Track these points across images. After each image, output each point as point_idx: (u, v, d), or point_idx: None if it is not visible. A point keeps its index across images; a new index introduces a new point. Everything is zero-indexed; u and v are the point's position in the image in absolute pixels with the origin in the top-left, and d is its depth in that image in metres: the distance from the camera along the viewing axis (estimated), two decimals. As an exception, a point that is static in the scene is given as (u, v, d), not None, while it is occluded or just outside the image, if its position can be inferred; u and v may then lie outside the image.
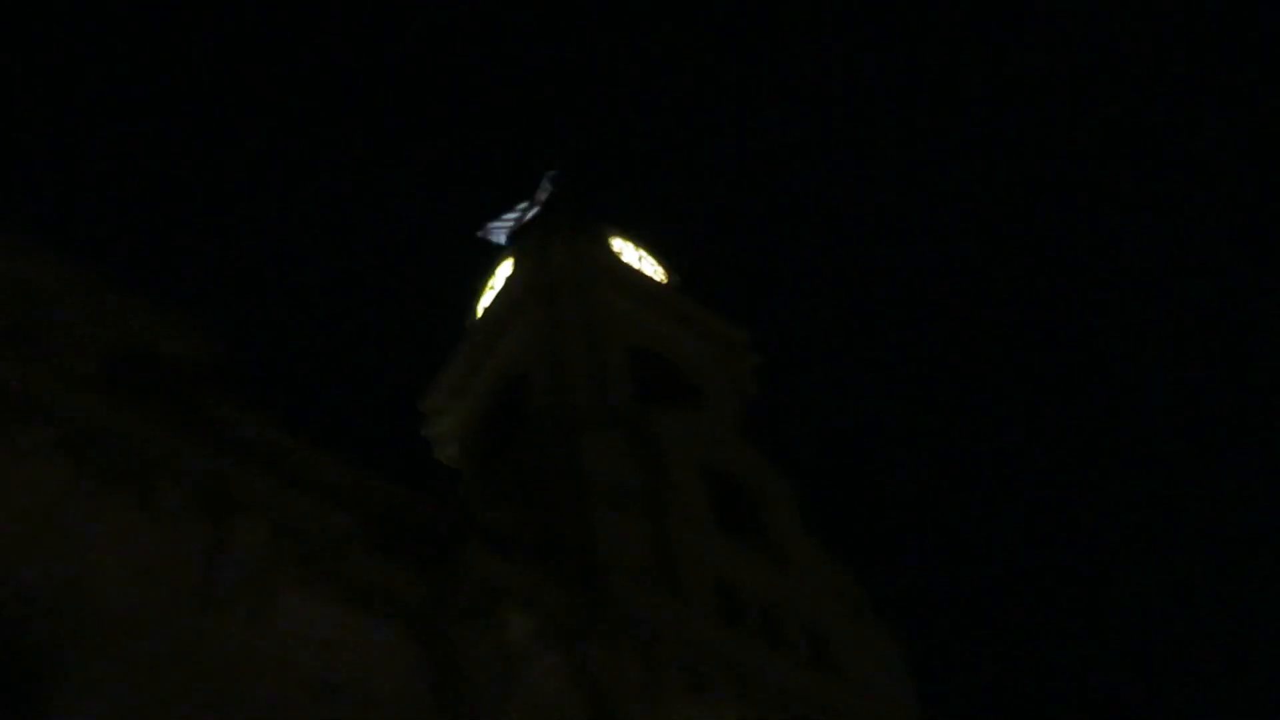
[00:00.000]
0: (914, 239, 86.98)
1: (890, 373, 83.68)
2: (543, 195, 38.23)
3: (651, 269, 38.50)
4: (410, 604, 20.40)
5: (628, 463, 27.18)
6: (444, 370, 36.13)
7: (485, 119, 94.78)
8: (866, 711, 23.69)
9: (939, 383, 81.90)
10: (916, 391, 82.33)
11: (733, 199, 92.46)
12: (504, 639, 20.65)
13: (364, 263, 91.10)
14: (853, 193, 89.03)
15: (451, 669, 19.81)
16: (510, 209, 38.47)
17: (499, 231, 37.96)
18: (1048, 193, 79.87)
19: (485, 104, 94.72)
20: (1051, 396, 78.29)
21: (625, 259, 37.44)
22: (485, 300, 37.95)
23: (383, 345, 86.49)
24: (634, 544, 24.65)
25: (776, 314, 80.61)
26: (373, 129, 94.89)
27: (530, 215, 37.71)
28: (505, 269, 38.03)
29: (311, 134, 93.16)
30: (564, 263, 34.61)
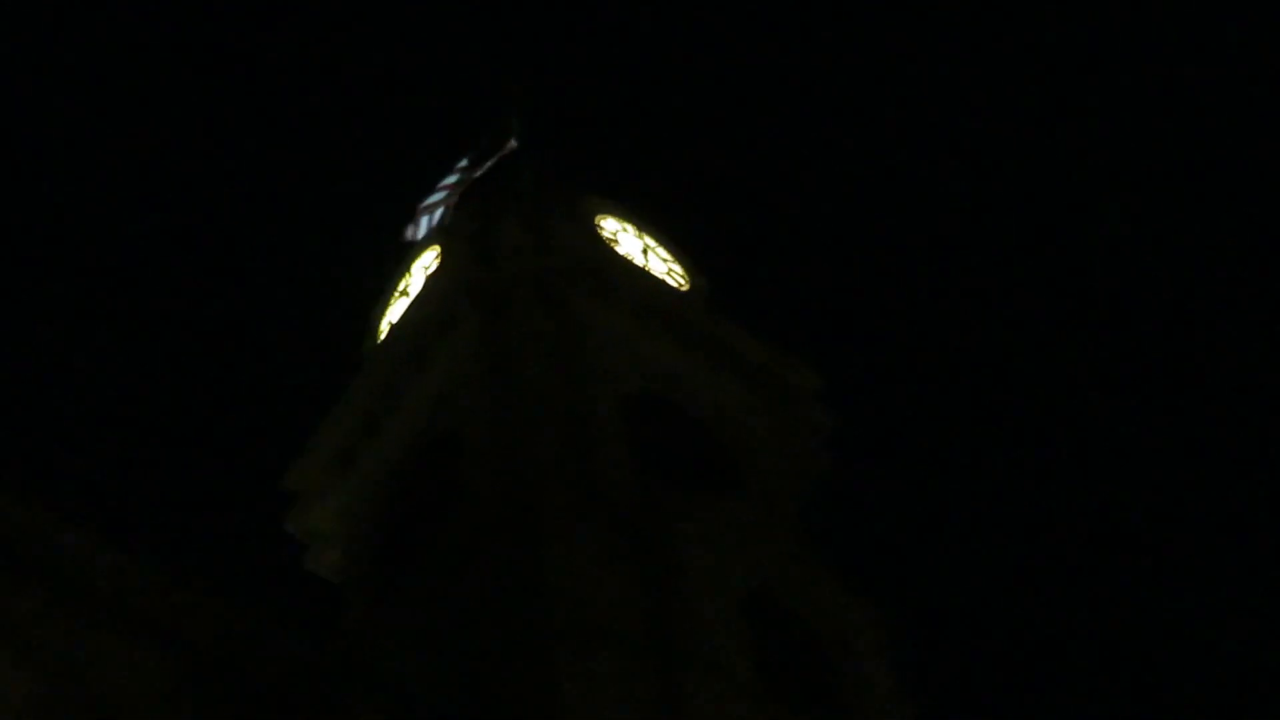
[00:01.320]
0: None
1: (1034, 442, 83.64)
2: (496, 154, 39.73)
3: (663, 267, 39.14)
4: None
5: (622, 583, 27.57)
6: (323, 426, 36.56)
7: (405, 28, 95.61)
8: None
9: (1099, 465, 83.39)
10: (1063, 479, 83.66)
11: (791, 163, 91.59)
12: None
13: (204, 250, 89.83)
14: (959, 161, 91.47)
15: None
16: (443, 179, 39.50)
17: (427, 218, 39.12)
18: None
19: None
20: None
21: (623, 251, 38.10)
22: (392, 314, 38.32)
23: (226, 381, 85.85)
24: (632, 716, 24.96)
25: (858, 341, 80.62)
26: (228, 53, 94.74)
27: (470, 177, 38.88)
28: (427, 262, 38.33)
29: (128, 50, 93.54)
30: (522, 252, 35.36)
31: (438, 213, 38.41)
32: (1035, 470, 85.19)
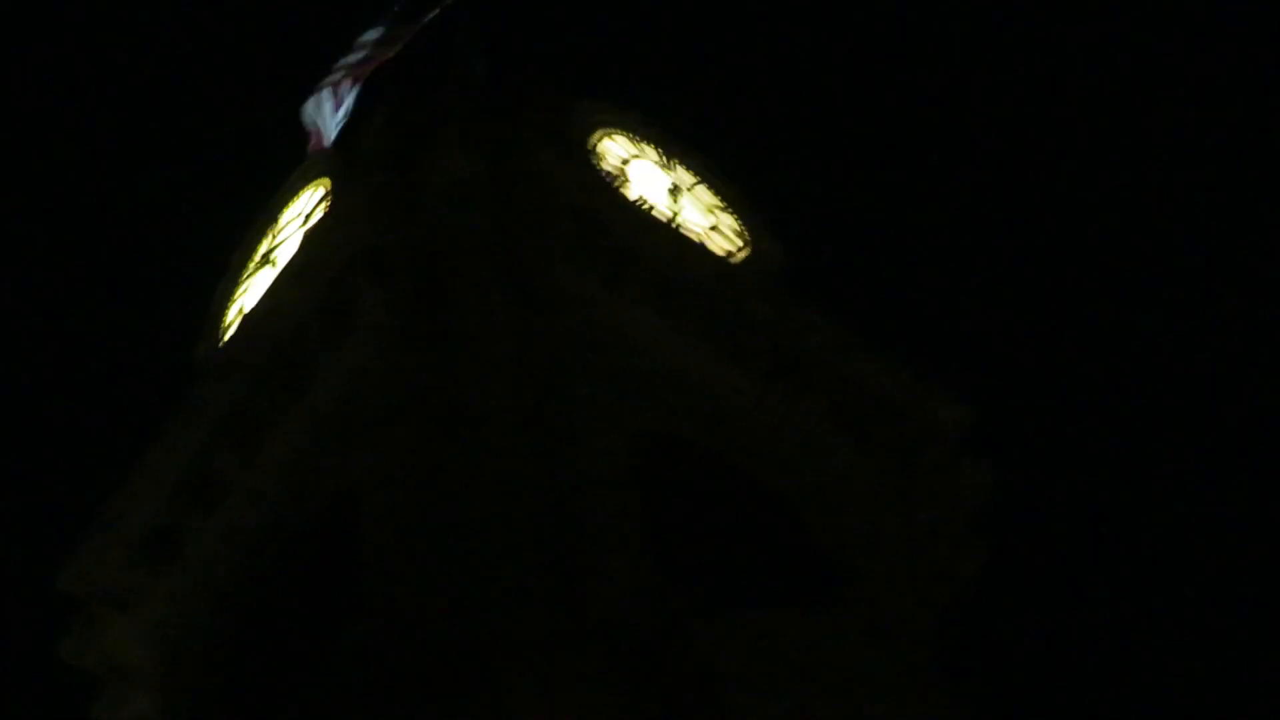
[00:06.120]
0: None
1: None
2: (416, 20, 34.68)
3: (707, 220, 33.40)
4: None
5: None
6: (126, 485, 30.52)
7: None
8: None
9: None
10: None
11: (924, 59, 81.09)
12: None
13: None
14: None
15: None
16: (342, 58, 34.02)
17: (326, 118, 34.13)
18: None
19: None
20: None
21: (637, 192, 32.44)
22: (247, 296, 32.86)
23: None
24: None
25: (1027, 350, 67.27)
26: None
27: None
28: (305, 208, 32.64)
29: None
30: (466, 194, 29.84)
31: (330, 118, 33.98)
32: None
